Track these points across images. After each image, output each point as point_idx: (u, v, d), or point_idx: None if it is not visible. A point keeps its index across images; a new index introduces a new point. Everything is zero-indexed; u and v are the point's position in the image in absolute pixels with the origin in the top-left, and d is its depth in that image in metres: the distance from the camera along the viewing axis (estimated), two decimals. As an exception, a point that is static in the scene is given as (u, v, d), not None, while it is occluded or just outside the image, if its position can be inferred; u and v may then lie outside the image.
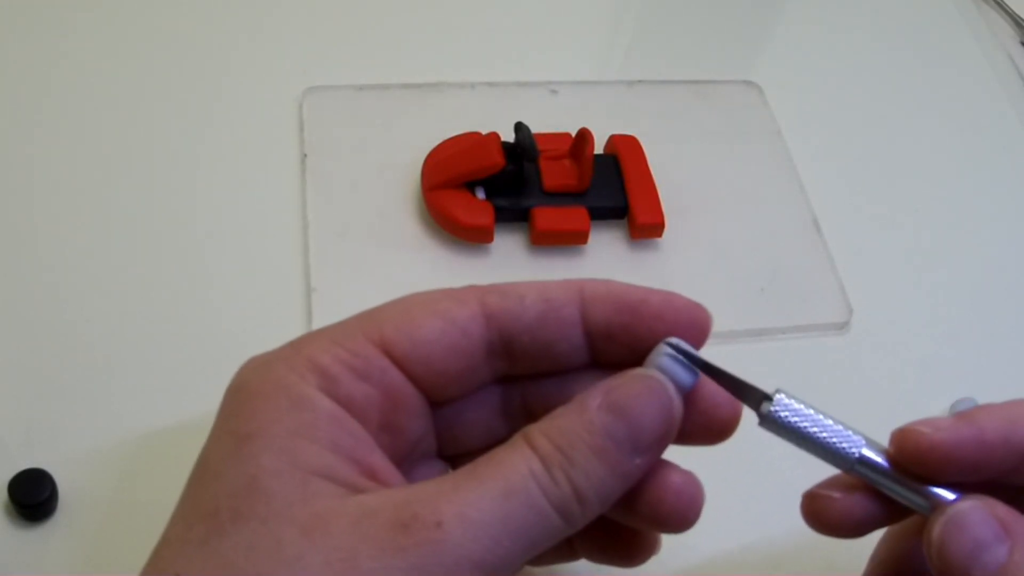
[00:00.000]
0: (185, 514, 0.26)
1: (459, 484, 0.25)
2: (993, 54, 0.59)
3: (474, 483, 0.25)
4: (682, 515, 0.28)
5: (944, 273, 0.48)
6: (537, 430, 0.26)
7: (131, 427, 0.38)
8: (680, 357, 0.28)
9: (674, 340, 0.28)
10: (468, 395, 0.29)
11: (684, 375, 0.28)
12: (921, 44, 0.59)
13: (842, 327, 0.45)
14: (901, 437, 0.28)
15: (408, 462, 0.28)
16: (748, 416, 0.29)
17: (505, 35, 0.54)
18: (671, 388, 0.27)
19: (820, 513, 0.29)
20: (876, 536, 0.31)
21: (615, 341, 0.29)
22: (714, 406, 0.29)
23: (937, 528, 0.27)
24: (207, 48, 0.51)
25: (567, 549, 0.32)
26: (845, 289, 0.46)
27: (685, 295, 0.30)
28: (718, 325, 0.29)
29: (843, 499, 0.29)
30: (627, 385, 0.27)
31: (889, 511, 0.29)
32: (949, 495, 0.28)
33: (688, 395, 0.28)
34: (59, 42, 0.50)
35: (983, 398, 0.42)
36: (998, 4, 0.61)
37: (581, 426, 0.26)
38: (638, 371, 0.27)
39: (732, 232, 0.47)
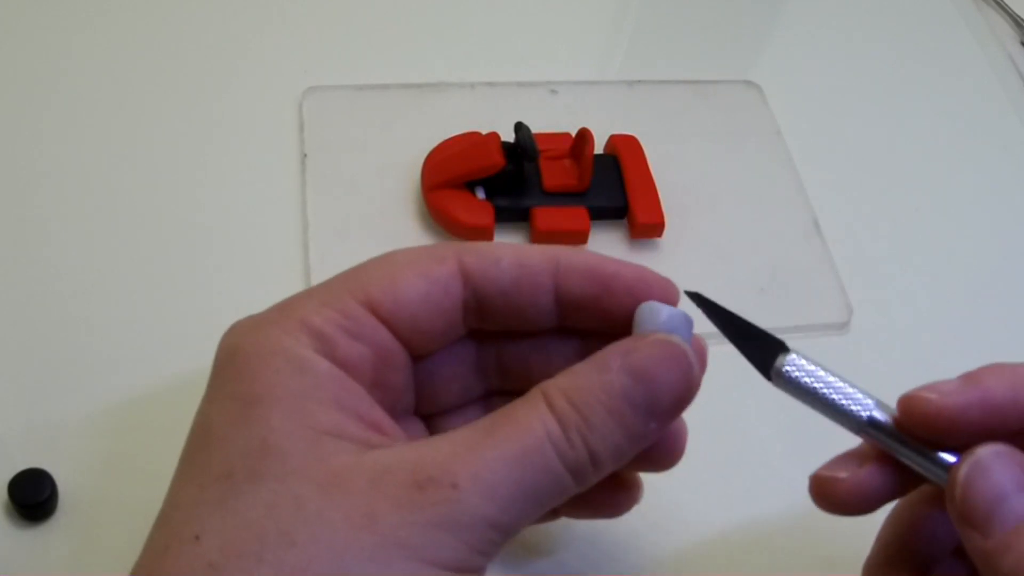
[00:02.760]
0: (194, 477, 0.26)
1: (475, 444, 0.25)
2: (993, 54, 0.59)
3: (490, 442, 0.25)
4: (668, 452, 0.29)
5: (944, 273, 0.48)
6: (556, 387, 0.26)
7: (132, 427, 0.38)
8: (684, 319, 0.28)
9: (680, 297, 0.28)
10: (446, 347, 0.30)
11: (687, 337, 0.28)
12: (921, 44, 0.59)
13: (842, 327, 0.45)
14: (907, 404, 0.28)
15: (393, 417, 0.29)
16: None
17: (505, 35, 0.54)
18: (691, 354, 0.27)
19: (829, 494, 0.30)
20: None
21: (585, 310, 0.29)
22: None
23: (964, 469, 0.27)
24: (208, 48, 0.51)
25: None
26: (845, 289, 0.46)
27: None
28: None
29: (849, 478, 0.29)
30: (648, 349, 0.27)
31: (896, 482, 0.29)
32: (952, 459, 0.28)
33: None
34: (60, 42, 0.50)
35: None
36: (998, 4, 0.61)
37: (600, 387, 0.26)
38: (659, 336, 0.27)
39: (732, 232, 0.47)
